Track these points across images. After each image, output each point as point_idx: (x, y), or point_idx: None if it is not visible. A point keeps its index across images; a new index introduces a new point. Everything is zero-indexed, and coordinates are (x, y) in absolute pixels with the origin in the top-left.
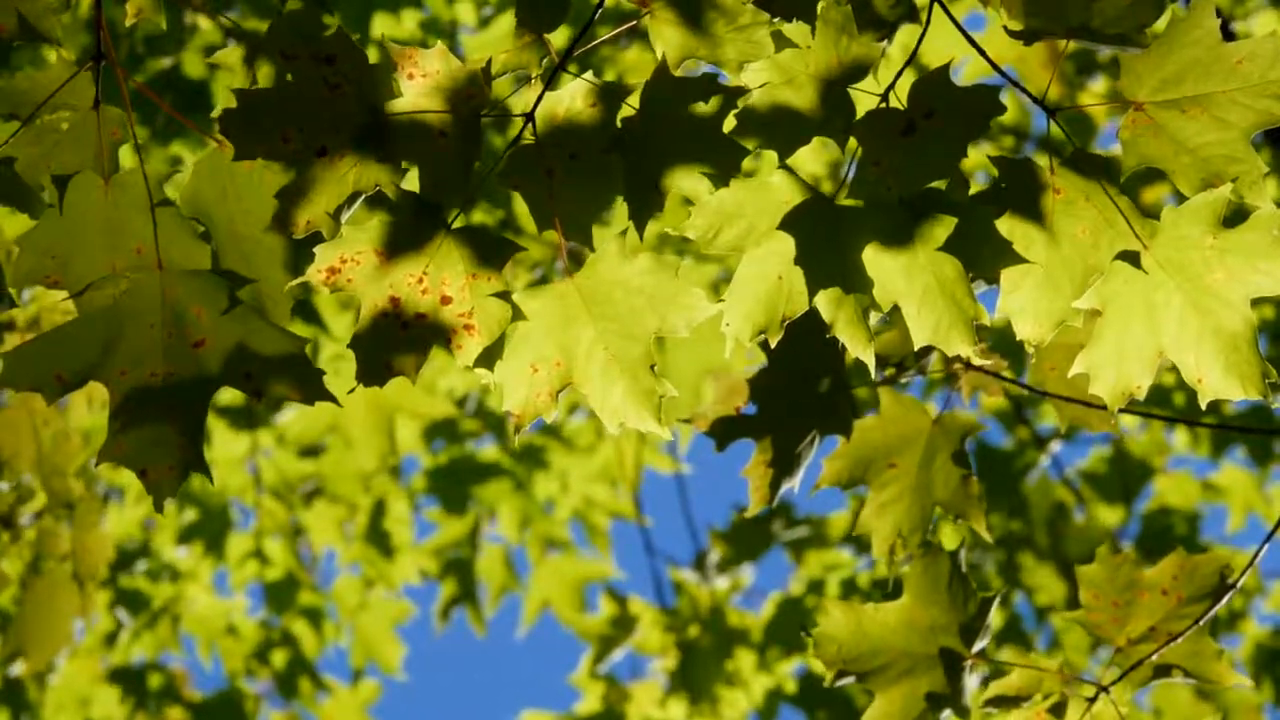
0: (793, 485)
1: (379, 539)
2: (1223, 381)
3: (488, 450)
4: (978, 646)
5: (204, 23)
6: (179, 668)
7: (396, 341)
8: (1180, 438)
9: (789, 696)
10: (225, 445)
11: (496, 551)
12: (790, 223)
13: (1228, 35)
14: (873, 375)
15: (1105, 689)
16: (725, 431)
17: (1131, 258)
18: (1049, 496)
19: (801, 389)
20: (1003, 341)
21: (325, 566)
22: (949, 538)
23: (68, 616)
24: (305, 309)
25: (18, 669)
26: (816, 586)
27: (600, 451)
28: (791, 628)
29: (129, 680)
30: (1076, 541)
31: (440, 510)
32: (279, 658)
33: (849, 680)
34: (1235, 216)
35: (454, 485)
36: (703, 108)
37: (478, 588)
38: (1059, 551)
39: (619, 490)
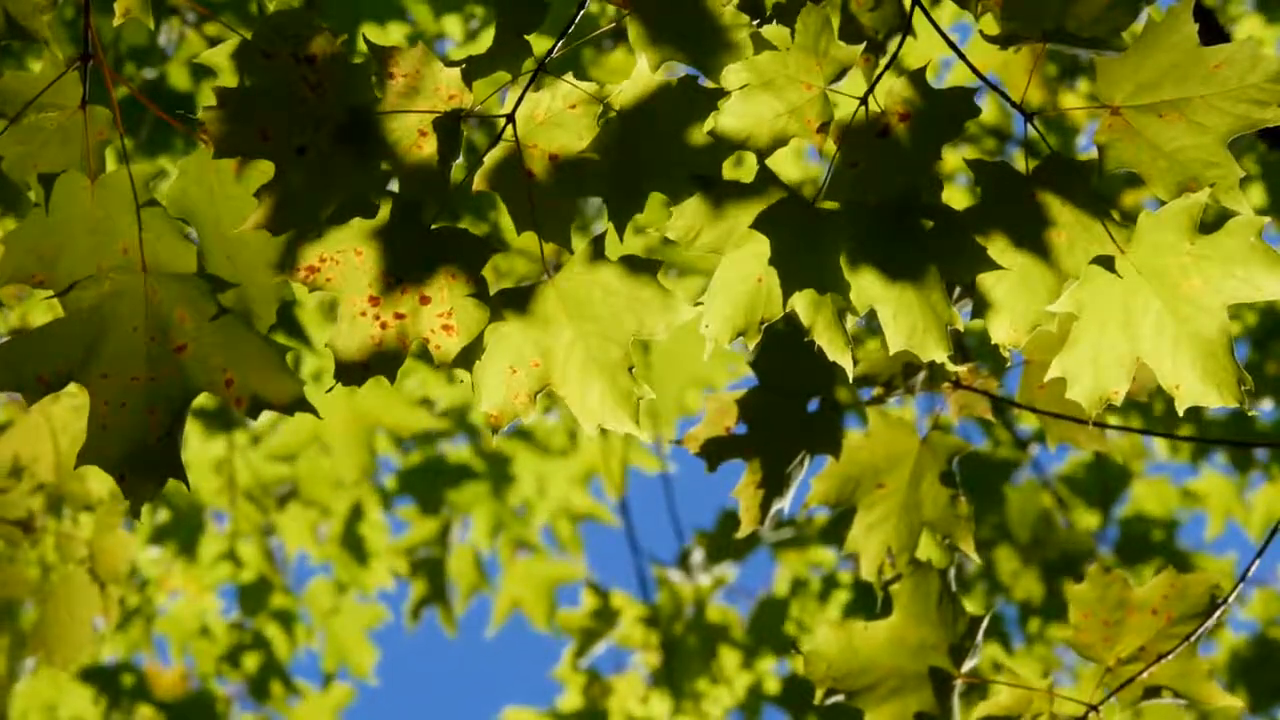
0: (783, 505)
1: (353, 543)
2: (1199, 387)
3: (461, 451)
4: (967, 666)
5: (190, 33)
6: (179, 668)
7: (374, 341)
8: (1160, 444)
9: (772, 696)
10: (199, 448)
11: (466, 551)
12: (765, 223)
13: (1219, 34)
14: (850, 379)
15: (1095, 708)
16: (716, 452)
17: (1108, 262)
18: (1032, 499)
19: (791, 409)
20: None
21: (297, 569)
22: (932, 551)
23: (87, 619)
24: (288, 322)
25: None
26: (800, 585)
27: (577, 455)
28: (774, 627)
29: (101, 680)
30: (1057, 545)
31: (413, 509)
32: (251, 660)
33: (838, 698)
34: (1215, 222)
35: (428, 486)
36: (683, 110)
37: (448, 588)
38: (1041, 554)
39: (602, 491)
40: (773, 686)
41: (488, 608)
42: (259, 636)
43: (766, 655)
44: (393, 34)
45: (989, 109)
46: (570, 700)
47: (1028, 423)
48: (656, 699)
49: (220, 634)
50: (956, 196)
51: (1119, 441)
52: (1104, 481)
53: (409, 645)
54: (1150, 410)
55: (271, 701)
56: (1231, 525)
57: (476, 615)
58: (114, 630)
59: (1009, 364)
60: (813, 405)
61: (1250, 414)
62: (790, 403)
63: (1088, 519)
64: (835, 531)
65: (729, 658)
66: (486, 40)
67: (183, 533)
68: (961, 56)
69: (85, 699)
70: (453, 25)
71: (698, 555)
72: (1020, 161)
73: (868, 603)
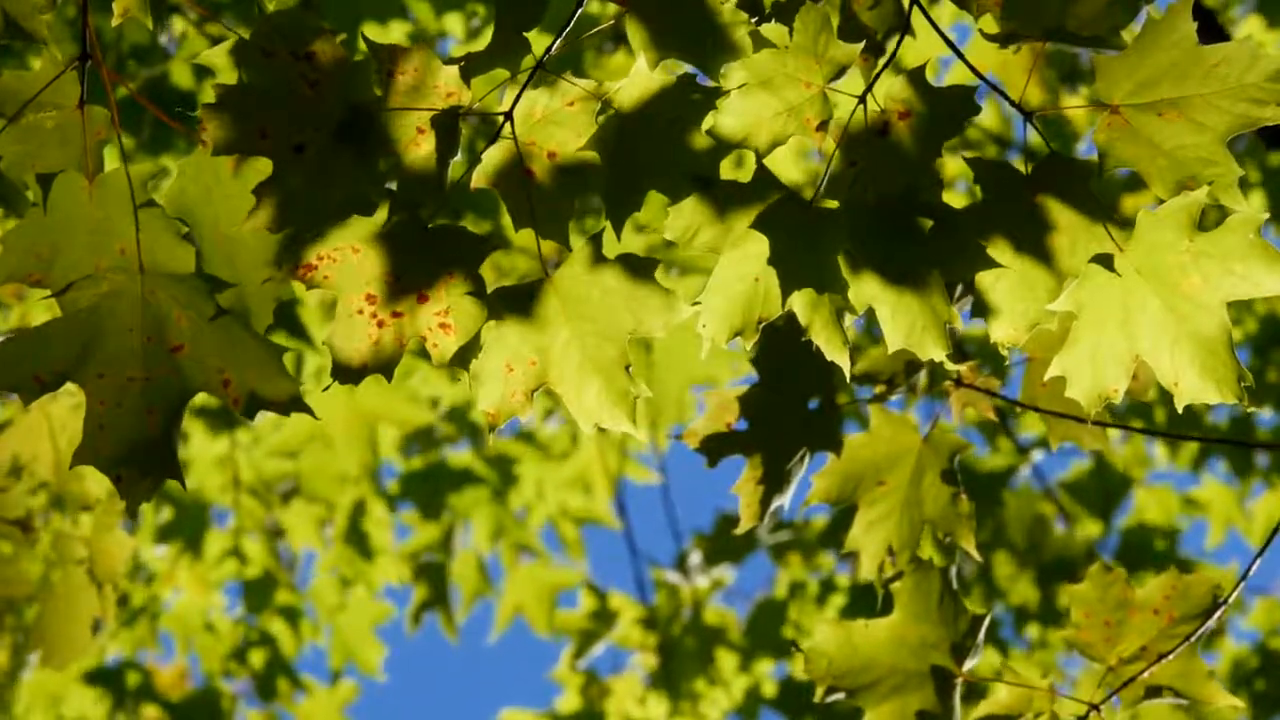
0: (783, 502)
1: (358, 540)
2: (1198, 384)
3: (463, 455)
4: (968, 664)
5: (191, 32)
6: (179, 665)
7: (372, 339)
8: (1161, 451)
9: (769, 699)
10: (202, 445)
11: (470, 556)
12: (764, 222)
13: (1219, 34)
14: (848, 378)
15: (1096, 707)
16: (716, 448)
17: (1107, 261)
18: (1029, 504)
19: (792, 406)
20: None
21: (303, 567)
22: (932, 550)
23: (85, 620)
24: (289, 322)
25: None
26: (798, 588)
27: (575, 458)
28: (772, 629)
29: (106, 680)
30: (1054, 551)
31: (415, 514)
32: (257, 657)
33: (838, 696)
34: (1214, 222)
35: (429, 491)
36: (681, 108)
37: (451, 592)
38: (1037, 559)
39: (596, 495)
40: (770, 689)
41: (487, 610)
42: (265, 633)
43: (764, 658)
44: (394, 32)
45: (988, 115)
46: (568, 701)
47: (1029, 429)
48: (654, 700)
49: (225, 631)
50: (956, 203)
51: (1121, 449)
52: (1105, 489)
53: (407, 645)
54: (1152, 416)
55: (278, 698)
56: (1233, 535)
57: (476, 617)
58: (118, 629)
59: (1009, 363)
60: (813, 403)
61: (1249, 411)
62: (791, 400)
63: (1089, 526)
64: (834, 535)
65: (726, 660)
66: (487, 39)
67: (187, 529)
68: (960, 56)
69: (90, 697)
70: (454, 24)
71: (695, 557)
72: (1020, 164)
73: (865, 606)
